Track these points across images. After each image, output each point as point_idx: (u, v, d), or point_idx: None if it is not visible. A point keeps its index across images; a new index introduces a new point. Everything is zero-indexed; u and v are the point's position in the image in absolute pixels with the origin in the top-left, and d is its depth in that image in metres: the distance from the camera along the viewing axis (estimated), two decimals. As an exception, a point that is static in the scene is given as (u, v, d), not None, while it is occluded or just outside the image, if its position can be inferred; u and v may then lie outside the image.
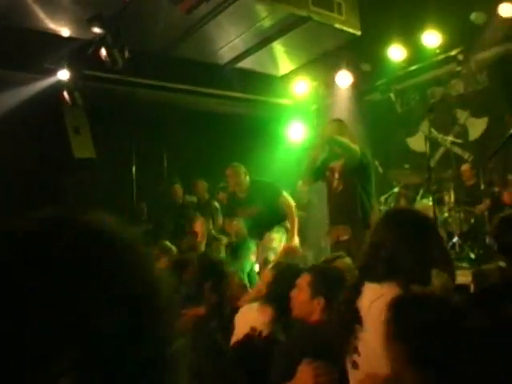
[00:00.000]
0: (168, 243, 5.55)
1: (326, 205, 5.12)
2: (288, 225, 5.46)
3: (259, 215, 5.40)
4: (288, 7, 5.78)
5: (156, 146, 8.71)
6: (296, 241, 5.29)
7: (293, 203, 5.47)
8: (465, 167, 7.21)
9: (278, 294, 2.76)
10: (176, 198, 7.99)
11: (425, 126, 7.09)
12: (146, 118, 8.01)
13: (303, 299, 2.45)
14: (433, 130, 7.43)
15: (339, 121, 5.19)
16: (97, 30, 5.37)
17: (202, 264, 2.95)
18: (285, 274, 2.87)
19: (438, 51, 6.71)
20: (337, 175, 4.86)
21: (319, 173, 5.05)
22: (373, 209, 4.92)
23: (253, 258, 5.64)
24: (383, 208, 7.16)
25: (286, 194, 5.50)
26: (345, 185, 4.78)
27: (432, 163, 7.75)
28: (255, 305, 2.85)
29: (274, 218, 5.43)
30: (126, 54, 5.50)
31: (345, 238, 4.67)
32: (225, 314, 2.90)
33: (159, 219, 8.13)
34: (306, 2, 5.84)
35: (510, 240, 2.34)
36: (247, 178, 5.46)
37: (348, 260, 3.59)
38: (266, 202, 5.36)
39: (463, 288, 3.87)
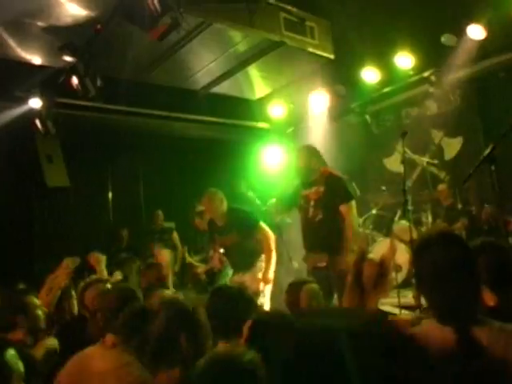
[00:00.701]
0: None
1: (301, 231, 5.12)
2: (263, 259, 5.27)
3: (236, 245, 5.29)
4: (261, 32, 5.78)
5: (132, 171, 8.65)
6: (270, 276, 5.15)
7: (271, 235, 5.26)
8: (441, 187, 7.27)
9: None
10: (156, 223, 7.95)
11: (400, 146, 7.13)
12: (120, 144, 7.95)
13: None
14: (408, 151, 7.50)
15: (308, 146, 5.24)
16: (68, 58, 5.32)
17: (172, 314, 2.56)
18: None
19: (411, 72, 6.78)
20: (312, 203, 4.89)
21: (292, 201, 5.14)
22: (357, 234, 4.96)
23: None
24: (362, 230, 7.15)
25: (263, 225, 5.30)
26: (324, 213, 4.83)
27: (409, 183, 7.82)
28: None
29: (251, 249, 5.28)
30: (98, 82, 5.44)
31: (323, 264, 4.67)
32: None
33: (137, 246, 8.04)
34: (279, 26, 5.86)
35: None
36: (224, 205, 5.27)
37: (315, 286, 3.59)
38: (243, 232, 5.20)
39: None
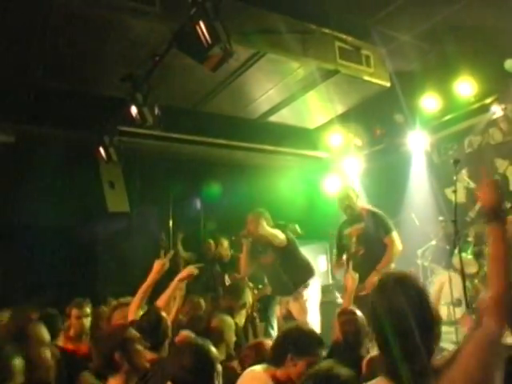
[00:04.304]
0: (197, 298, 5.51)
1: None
2: None
3: (273, 266, 5.36)
4: (315, 61, 5.83)
5: (191, 198, 8.83)
6: None
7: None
8: (510, 218, 6.90)
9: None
10: (209, 252, 7.98)
11: (462, 176, 6.89)
12: (181, 172, 8.16)
13: None
14: (470, 181, 7.23)
15: (349, 186, 5.86)
16: (129, 89, 5.59)
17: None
18: None
19: (472, 100, 6.58)
20: (354, 239, 5.17)
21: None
22: None
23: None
24: (420, 262, 6.91)
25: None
26: (366, 248, 5.08)
27: (472, 214, 7.51)
28: (260, 367, 2.73)
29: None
30: (156, 112, 5.64)
31: (363, 293, 4.74)
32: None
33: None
34: (334, 55, 5.89)
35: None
36: (268, 224, 5.38)
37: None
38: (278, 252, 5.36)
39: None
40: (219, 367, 2.45)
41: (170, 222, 8.84)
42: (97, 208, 6.89)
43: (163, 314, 3.50)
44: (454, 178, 4.76)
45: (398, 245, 5.26)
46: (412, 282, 1.88)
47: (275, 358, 2.73)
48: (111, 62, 5.70)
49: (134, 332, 2.73)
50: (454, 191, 4.70)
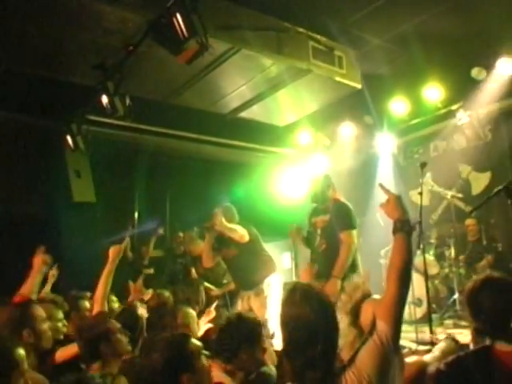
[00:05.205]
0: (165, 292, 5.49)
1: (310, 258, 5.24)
2: None
3: (236, 259, 5.41)
4: (288, 60, 5.86)
5: (158, 191, 8.75)
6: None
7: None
8: (470, 222, 7.09)
9: None
10: (177, 246, 7.96)
11: (426, 179, 7.05)
12: (149, 164, 8.08)
13: None
14: (435, 184, 7.41)
15: (326, 175, 5.31)
16: (99, 77, 5.50)
17: None
18: None
19: (439, 105, 6.74)
20: (319, 231, 5.03)
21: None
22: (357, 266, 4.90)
23: None
24: (383, 261, 7.05)
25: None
26: (327, 243, 4.92)
27: (435, 217, 7.71)
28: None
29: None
30: (127, 102, 5.57)
31: None
32: None
33: (158, 264, 8.09)
34: (307, 55, 5.93)
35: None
36: (235, 218, 5.47)
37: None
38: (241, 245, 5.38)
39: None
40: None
41: (135, 214, 8.76)
42: (62, 197, 6.76)
43: (139, 312, 3.48)
44: (421, 180, 4.86)
45: (351, 244, 4.73)
46: (317, 294, 2.00)
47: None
48: (83, 49, 5.59)
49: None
50: (420, 193, 4.79)
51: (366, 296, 2.61)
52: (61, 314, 3.69)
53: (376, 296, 2.62)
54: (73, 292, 4.73)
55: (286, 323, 1.96)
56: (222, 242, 5.53)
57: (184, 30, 4.07)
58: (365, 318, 2.44)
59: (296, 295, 1.96)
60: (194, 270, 7.20)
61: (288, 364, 1.92)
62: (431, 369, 2.38)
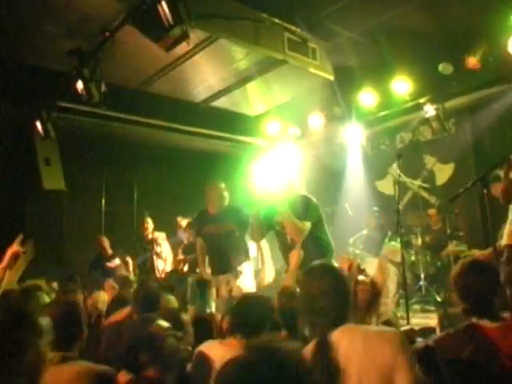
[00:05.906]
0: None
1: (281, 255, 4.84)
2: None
3: (229, 234, 5.38)
4: (265, 50, 5.92)
5: (126, 179, 8.70)
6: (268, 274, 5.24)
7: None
8: (432, 211, 7.39)
9: None
10: (145, 232, 7.90)
11: (393, 169, 7.27)
12: (118, 152, 8.01)
13: None
14: (401, 174, 7.64)
15: (290, 177, 4.95)
16: (75, 63, 5.41)
17: None
18: None
19: (407, 98, 6.94)
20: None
21: (266, 228, 4.84)
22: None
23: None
24: (351, 250, 7.24)
25: None
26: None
27: (400, 206, 7.94)
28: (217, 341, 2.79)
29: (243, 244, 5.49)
30: (103, 88, 5.52)
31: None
32: None
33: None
34: (283, 46, 6.01)
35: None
36: (225, 196, 5.48)
37: None
38: (239, 224, 5.36)
39: (429, 331, 3.93)
40: None
41: (103, 202, 8.68)
42: (31, 185, 6.64)
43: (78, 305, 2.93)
44: (397, 171, 5.02)
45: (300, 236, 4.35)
46: (335, 270, 2.23)
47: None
48: (57, 34, 5.50)
49: None
50: (397, 183, 4.94)
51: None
52: None
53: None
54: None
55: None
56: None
57: (169, 17, 4.07)
58: None
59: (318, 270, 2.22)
60: None
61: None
62: (420, 345, 2.52)
